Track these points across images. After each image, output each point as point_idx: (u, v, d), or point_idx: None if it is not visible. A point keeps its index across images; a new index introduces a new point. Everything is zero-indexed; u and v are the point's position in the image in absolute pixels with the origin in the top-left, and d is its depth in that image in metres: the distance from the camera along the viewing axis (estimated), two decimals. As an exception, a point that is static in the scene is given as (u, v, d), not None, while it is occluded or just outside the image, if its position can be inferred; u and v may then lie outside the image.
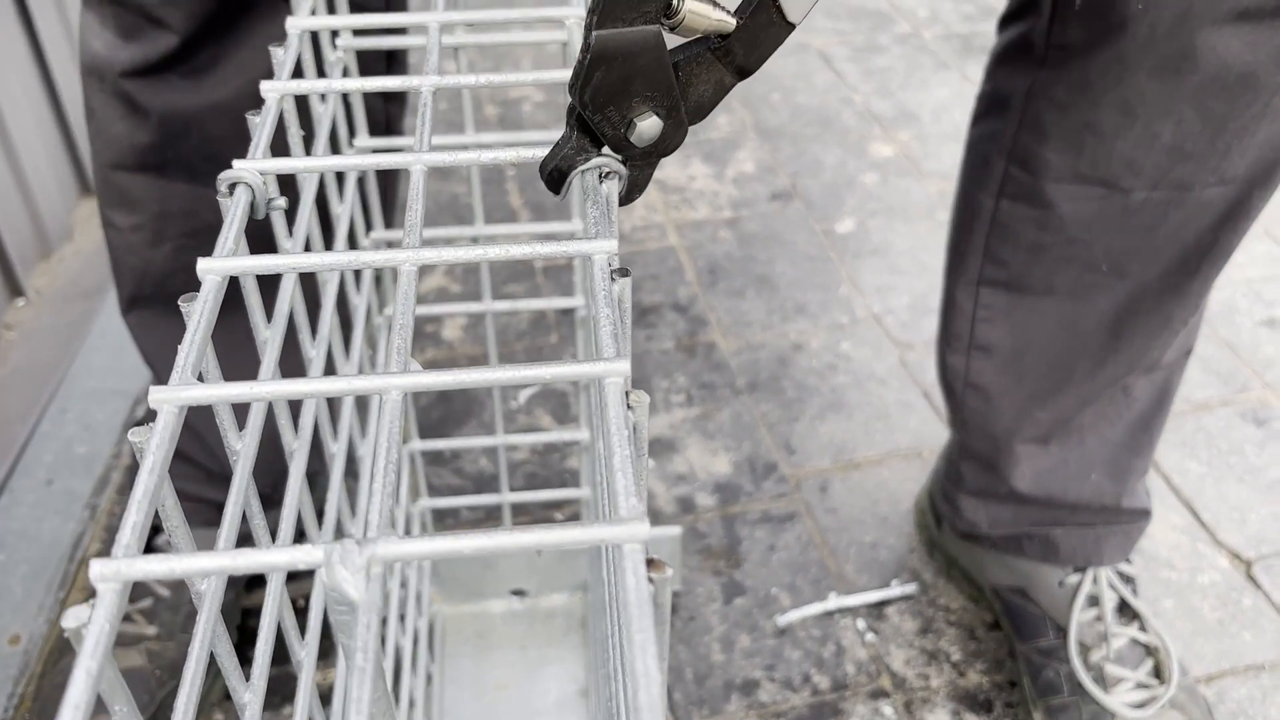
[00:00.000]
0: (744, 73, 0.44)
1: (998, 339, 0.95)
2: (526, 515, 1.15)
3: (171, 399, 0.34)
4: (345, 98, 0.68)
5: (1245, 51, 0.73)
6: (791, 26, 0.43)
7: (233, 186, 0.43)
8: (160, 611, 0.97)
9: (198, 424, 0.93)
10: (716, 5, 0.42)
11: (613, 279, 0.40)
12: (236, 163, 0.43)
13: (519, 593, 1.02)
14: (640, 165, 0.45)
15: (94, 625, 0.29)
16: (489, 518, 1.15)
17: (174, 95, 0.79)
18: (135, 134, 0.81)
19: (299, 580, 1.05)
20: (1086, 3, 0.76)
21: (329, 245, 0.66)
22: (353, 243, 0.78)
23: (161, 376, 0.97)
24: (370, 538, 0.30)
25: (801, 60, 1.93)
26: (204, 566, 0.30)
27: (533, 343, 1.36)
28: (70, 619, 0.30)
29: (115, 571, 0.30)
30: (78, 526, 1.11)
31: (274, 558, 0.30)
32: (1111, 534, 1.02)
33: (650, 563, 0.33)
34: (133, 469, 1.09)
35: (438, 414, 1.27)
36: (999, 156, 0.87)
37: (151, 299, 0.91)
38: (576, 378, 0.36)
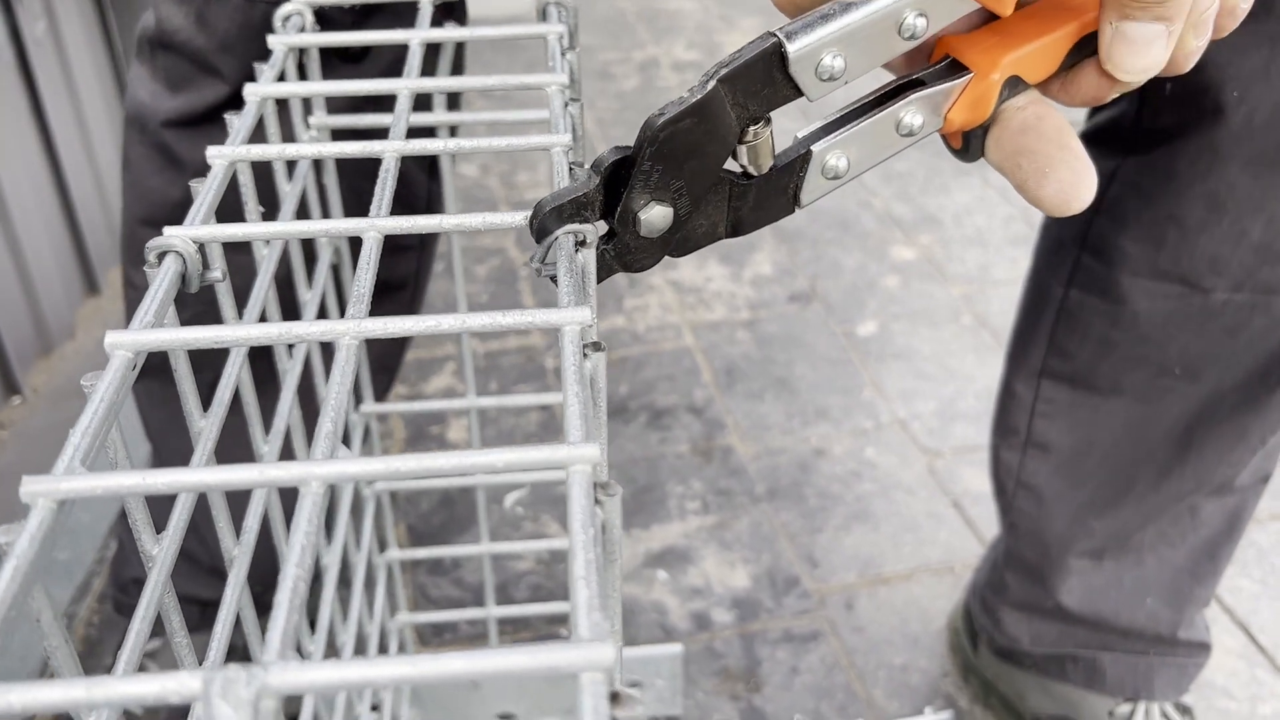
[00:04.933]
0: (736, 230, 0.42)
1: (1056, 437, 0.88)
2: (529, 630, 1.08)
3: (48, 492, 0.29)
4: (320, 180, 0.64)
5: None
6: (794, 209, 0.42)
7: (163, 256, 0.39)
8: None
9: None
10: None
11: (585, 354, 0.35)
12: (168, 229, 0.39)
13: (506, 717, 0.94)
14: (609, 259, 0.41)
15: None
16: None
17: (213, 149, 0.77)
18: (170, 188, 0.78)
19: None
20: (1179, 87, 0.72)
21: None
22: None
23: (161, 454, 0.91)
24: (262, 663, 0.24)
25: (821, 164, 1.91)
26: (53, 699, 0.24)
27: (542, 443, 1.30)
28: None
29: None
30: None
31: (137, 688, 0.24)
32: (1165, 666, 0.93)
33: (615, 697, 0.26)
34: (114, 564, 1.03)
35: (439, 519, 1.21)
36: (1072, 243, 0.82)
37: (161, 369, 0.86)
38: (534, 465, 0.30)
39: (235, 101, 0.76)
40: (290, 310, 0.60)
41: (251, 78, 0.76)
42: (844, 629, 1.09)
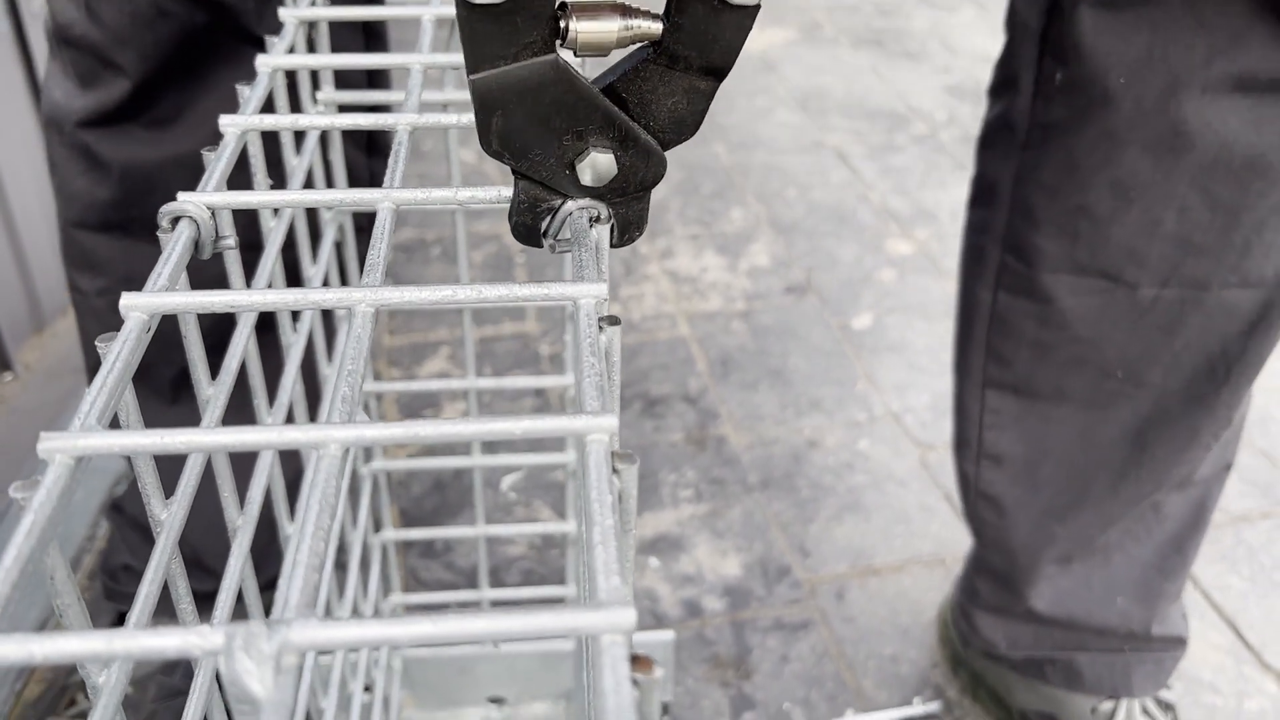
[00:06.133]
0: (715, 72, 0.37)
1: (1008, 447, 0.88)
2: (520, 615, 1.08)
3: (66, 448, 0.29)
4: (325, 155, 0.64)
5: (1248, 131, 0.68)
6: (749, 7, 0.35)
7: (176, 222, 0.38)
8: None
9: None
10: (628, 11, 0.36)
11: (600, 327, 0.35)
12: (182, 195, 0.39)
13: (497, 700, 0.94)
14: (624, 202, 0.40)
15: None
16: (480, 617, 1.07)
17: (135, 147, 0.75)
18: (96, 189, 0.76)
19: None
20: (1068, 78, 0.72)
21: (297, 316, 0.60)
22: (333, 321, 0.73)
23: (134, 461, 0.91)
24: (283, 619, 0.24)
25: (817, 158, 1.91)
26: (73, 650, 0.24)
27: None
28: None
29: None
30: (41, 613, 1.04)
31: (160, 641, 0.24)
32: (1141, 662, 0.94)
33: (635, 660, 0.26)
34: (104, 552, 1.02)
35: (431, 504, 1.20)
36: (993, 246, 0.82)
37: (138, 375, 0.85)
38: (554, 433, 0.30)
39: (140, 97, 0.73)
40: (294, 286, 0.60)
41: (151, 72, 0.74)
42: (834, 619, 1.10)
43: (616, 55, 0.38)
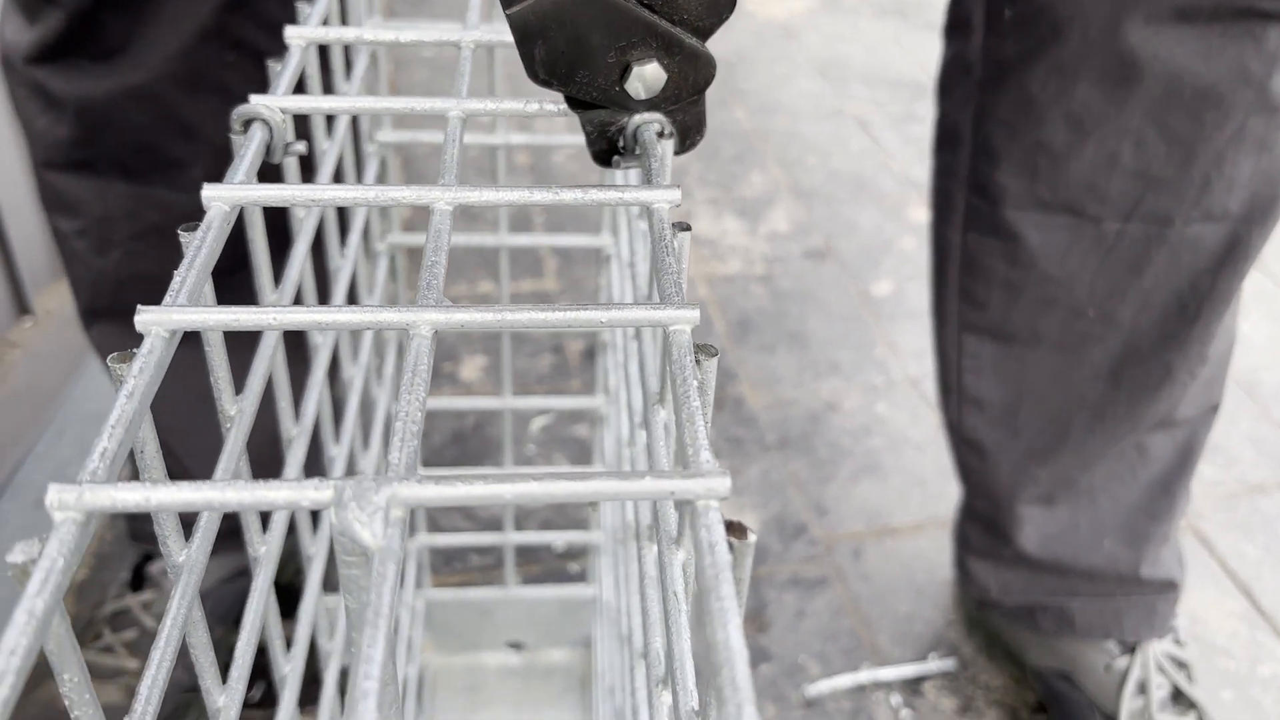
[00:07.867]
0: None
1: (988, 392, 0.89)
2: (539, 565, 1.09)
3: (162, 321, 0.29)
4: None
5: (1196, 61, 0.68)
6: None
7: (248, 125, 0.39)
8: (145, 645, 0.91)
9: (179, 447, 0.86)
10: None
11: (674, 232, 0.36)
12: (254, 97, 0.39)
13: (516, 646, 0.95)
14: (680, 109, 0.40)
15: (45, 560, 0.24)
16: (499, 563, 1.08)
17: (85, 81, 0.73)
18: (56, 128, 0.75)
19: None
20: (1017, 14, 0.73)
21: (344, 241, 0.61)
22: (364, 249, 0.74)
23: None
24: (391, 477, 0.25)
25: (838, 125, 1.91)
26: (189, 499, 0.25)
27: (554, 386, 1.31)
28: (18, 553, 0.24)
29: (77, 499, 0.25)
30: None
31: (275, 494, 0.25)
32: (1132, 606, 0.94)
33: (730, 525, 0.27)
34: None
35: (451, 455, 1.21)
36: (958, 188, 0.82)
37: (110, 312, 0.84)
38: (639, 323, 0.31)
39: (80, 28, 0.71)
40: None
41: (87, 1, 0.72)
42: (851, 576, 1.11)
43: None
